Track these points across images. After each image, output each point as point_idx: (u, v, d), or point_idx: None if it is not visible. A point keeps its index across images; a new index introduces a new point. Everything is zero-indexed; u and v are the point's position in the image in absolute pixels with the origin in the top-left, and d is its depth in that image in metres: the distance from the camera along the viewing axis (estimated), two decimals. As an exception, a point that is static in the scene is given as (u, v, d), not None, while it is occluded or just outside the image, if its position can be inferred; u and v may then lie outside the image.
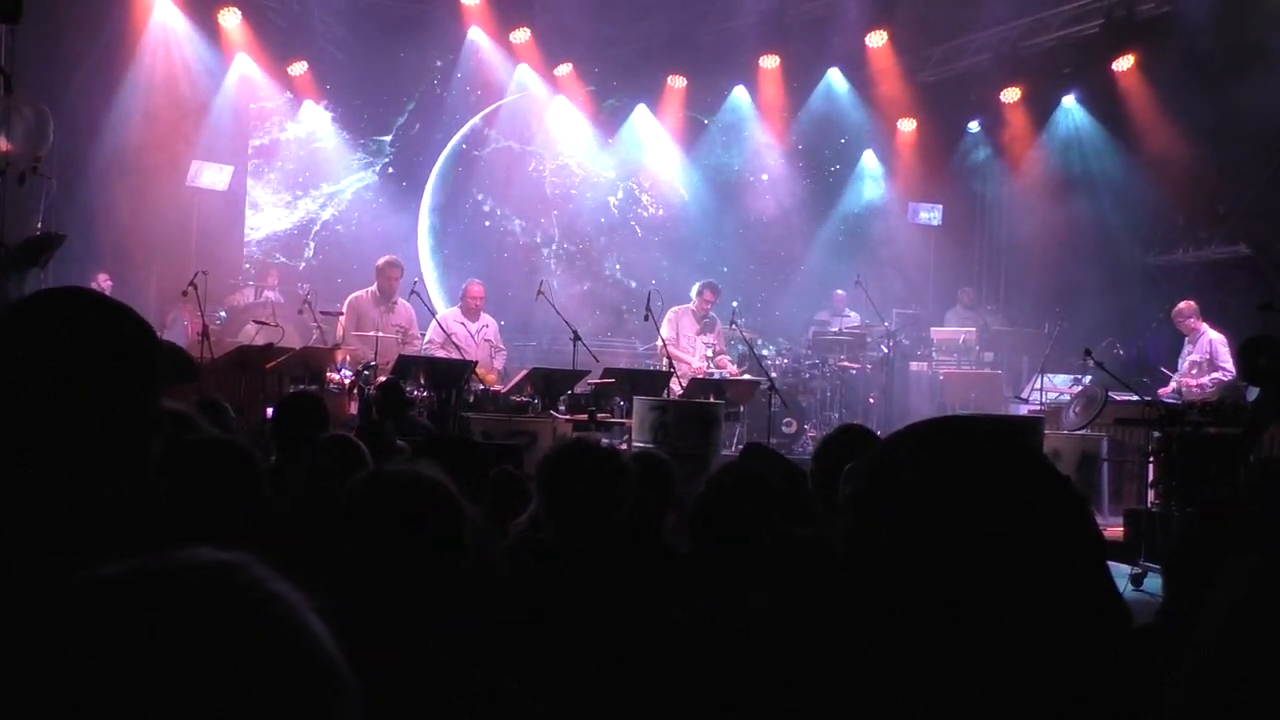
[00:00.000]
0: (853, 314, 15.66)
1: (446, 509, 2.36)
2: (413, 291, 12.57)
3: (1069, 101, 16.30)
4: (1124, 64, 14.97)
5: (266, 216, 15.84)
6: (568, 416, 10.82)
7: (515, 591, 3.30)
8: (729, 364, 13.44)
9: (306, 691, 0.90)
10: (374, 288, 12.45)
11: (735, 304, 13.46)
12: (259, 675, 0.88)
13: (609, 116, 17.23)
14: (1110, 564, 1.30)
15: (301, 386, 10.43)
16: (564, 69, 16.44)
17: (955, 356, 15.26)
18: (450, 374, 10.91)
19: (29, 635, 0.88)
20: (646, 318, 12.28)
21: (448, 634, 2.31)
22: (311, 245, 16.19)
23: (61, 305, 1.59)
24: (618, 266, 17.00)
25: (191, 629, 0.87)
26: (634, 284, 16.15)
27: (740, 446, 12.47)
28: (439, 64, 16.55)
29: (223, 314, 13.75)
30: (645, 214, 17.40)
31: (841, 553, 1.30)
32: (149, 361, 1.58)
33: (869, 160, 17.84)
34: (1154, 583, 8.44)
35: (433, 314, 12.84)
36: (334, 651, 0.93)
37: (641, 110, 17.21)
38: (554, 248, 16.98)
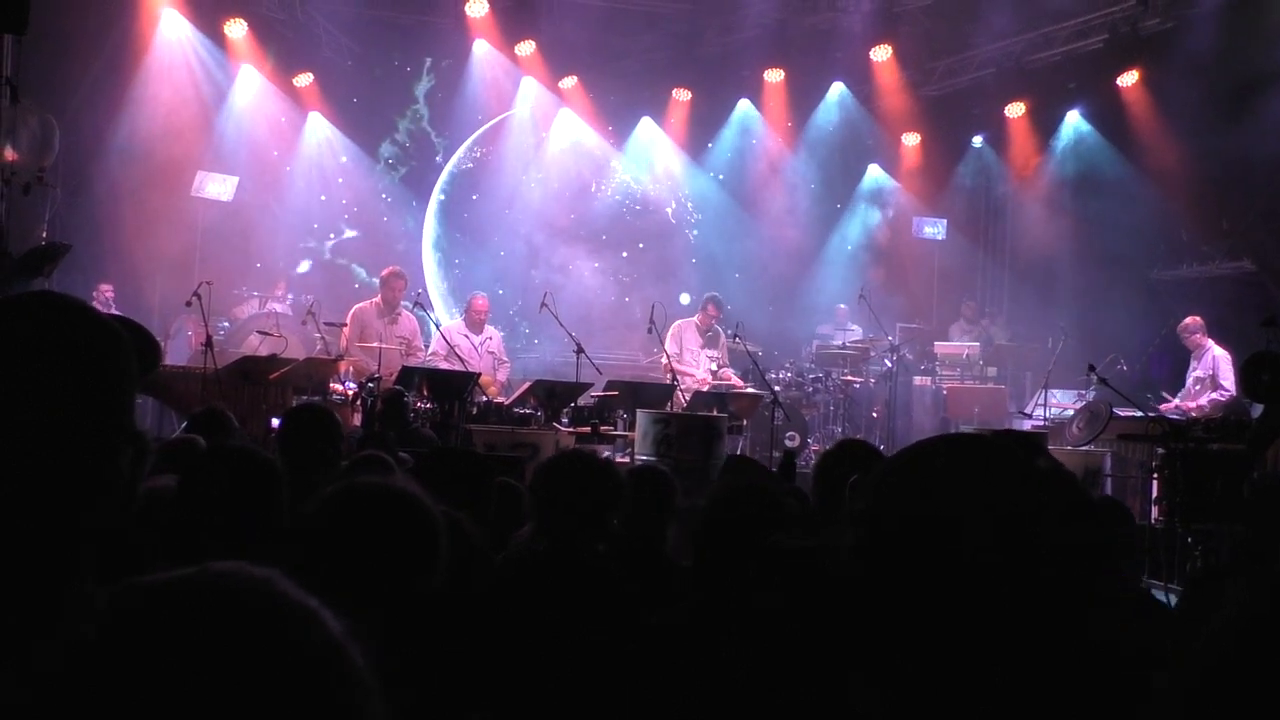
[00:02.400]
0: (855, 328, 15.64)
1: (419, 522, 2.35)
2: (416, 302, 12.59)
3: (1073, 116, 16.30)
4: (1128, 79, 14.97)
5: (271, 227, 15.84)
6: (571, 429, 10.82)
7: (513, 601, 3.29)
8: (733, 377, 13.44)
9: (337, 700, 0.94)
10: (378, 299, 12.48)
11: (739, 324, 13.43)
12: (291, 684, 0.92)
13: (614, 128, 17.25)
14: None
15: (305, 398, 10.43)
16: (569, 81, 16.47)
17: (959, 371, 15.25)
18: (453, 385, 10.92)
19: (78, 643, 0.92)
20: (650, 330, 12.28)
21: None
22: (316, 255, 16.21)
23: (27, 312, 1.57)
24: (620, 278, 16.99)
25: (226, 642, 0.91)
26: (637, 296, 16.13)
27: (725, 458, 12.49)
28: (445, 76, 16.60)
29: (226, 324, 13.76)
30: (649, 226, 17.40)
31: (846, 563, 1.32)
32: (123, 368, 1.56)
33: (873, 174, 17.83)
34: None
35: (437, 326, 12.86)
36: (360, 663, 0.97)
37: (646, 122, 17.23)
38: (557, 258, 16.97)
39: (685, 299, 15.78)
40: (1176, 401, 12.33)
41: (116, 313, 11.66)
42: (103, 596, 0.95)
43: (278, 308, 14.06)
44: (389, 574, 2.28)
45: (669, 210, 17.58)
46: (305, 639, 0.95)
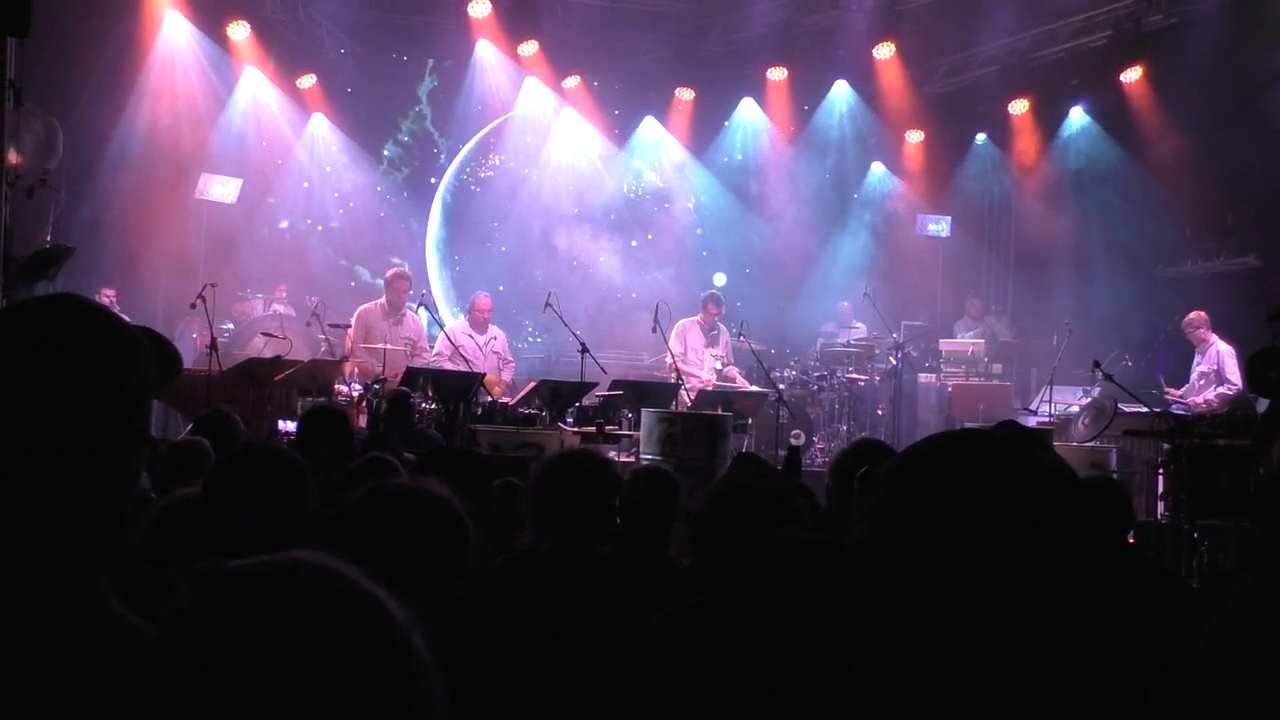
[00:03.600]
0: (859, 325, 15.66)
1: (450, 524, 2.36)
2: (420, 303, 12.59)
3: (1077, 113, 16.30)
4: (1132, 75, 14.96)
5: (275, 229, 15.87)
6: (575, 428, 10.81)
7: (516, 602, 3.29)
8: (738, 376, 13.45)
9: (407, 683, 1.01)
10: (382, 300, 12.49)
11: (743, 323, 13.48)
12: (366, 666, 0.98)
13: (617, 128, 17.25)
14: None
15: (311, 399, 10.44)
16: (572, 81, 16.47)
17: (964, 368, 15.24)
18: (458, 386, 10.92)
19: (173, 623, 0.99)
20: (654, 330, 12.27)
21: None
22: (319, 257, 16.22)
23: (40, 314, 1.58)
24: (624, 277, 16.99)
25: (307, 624, 0.98)
26: (642, 294, 16.13)
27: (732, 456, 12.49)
28: (447, 77, 16.61)
29: (230, 326, 13.76)
30: (653, 225, 17.39)
31: (851, 560, 1.34)
32: (137, 372, 1.57)
33: (877, 171, 17.83)
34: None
35: (441, 326, 12.87)
36: (425, 649, 1.04)
37: (650, 122, 17.23)
38: (561, 258, 16.99)
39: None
40: (1179, 394, 12.32)
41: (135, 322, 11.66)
42: (187, 578, 1.01)
43: (279, 309, 14.06)
44: (419, 576, 2.28)
45: (672, 209, 17.56)
46: (379, 624, 1.01)
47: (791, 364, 14.47)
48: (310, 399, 10.49)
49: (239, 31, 14.74)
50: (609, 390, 11.46)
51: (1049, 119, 16.43)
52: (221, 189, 14.75)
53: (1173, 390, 12.39)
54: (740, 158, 17.55)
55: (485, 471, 4.14)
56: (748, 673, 2.61)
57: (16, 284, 9.12)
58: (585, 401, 11.32)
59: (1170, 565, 8.41)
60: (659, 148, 17.42)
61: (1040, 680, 1.22)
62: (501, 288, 15.69)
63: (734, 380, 13.32)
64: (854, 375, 14.34)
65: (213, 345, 10.16)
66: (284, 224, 15.95)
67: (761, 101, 17.20)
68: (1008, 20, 15.31)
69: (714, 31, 16.53)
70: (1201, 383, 12.37)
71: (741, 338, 13.35)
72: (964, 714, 1.23)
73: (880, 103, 17.09)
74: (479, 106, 16.72)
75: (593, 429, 10.67)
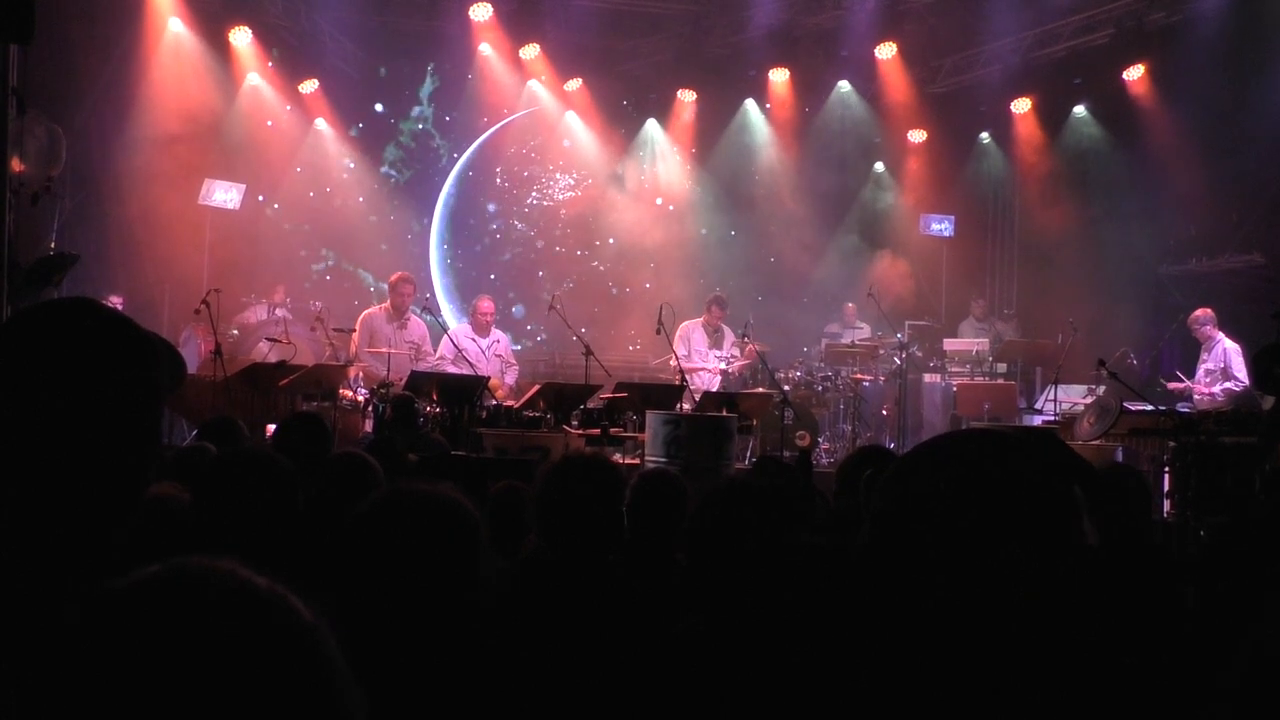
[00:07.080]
0: (863, 325, 15.65)
1: (463, 529, 2.36)
2: (424, 307, 12.60)
3: (1080, 111, 16.30)
4: (1134, 73, 14.96)
5: (278, 233, 15.88)
6: (580, 431, 10.81)
7: (522, 610, 3.29)
8: (750, 352, 13.47)
9: (310, 685, 0.96)
10: (387, 304, 12.50)
11: (747, 324, 13.51)
12: (264, 671, 0.94)
13: (619, 130, 17.25)
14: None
15: (314, 404, 10.44)
16: (574, 84, 16.48)
17: (968, 368, 15.22)
18: (463, 389, 10.92)
19: (57, 645, 0.95)
20: (658, 331, 12.27)
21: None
22: (322, 261, 16.24)
23: (61, 316, 1.58)
24: (628, 279, 16.99)
25: (197, 634, 0.93)
26: (645, 296, 16.14)
27: (754, 459, 12.48)
28: (449, 80, 16.62)
29: (235, 332, 13.77)
30: (656, 226, 17.38)
31: (858, 561, 1.35)
32: (149, 375, 1.57)
33: (880, 172, 17.82)
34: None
35: (445, 330, 12.88)
36: (334, 650, 0.99)
37: (652, 124, 17.24)
38: (564, 261, 17.00)
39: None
40: (1189, 383, 12.31)
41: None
42: (75, 602, 0.97)
43: (281, 312, 14.06)
44: (431, 581, 2.28)
45: (675, 210, 17.55)
46: (275, 626, 0.96)
47: (797, 364, 14.46)
48: (315, 404, 10.50)
49: (241, 37, 14.76)
50: (613, 392, 11.46)
51: (1052, 117, 16.44)
52: (225, 195, 14.76)
53: (1180, 376, 12.39)
54: (743, 159, 17.53)
55: (476, 475, 4.14)
56: (754, 679, 2.60)
57: (21, 291, 9.12)
58: (590, 404, 11.32)
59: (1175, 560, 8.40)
60: (661, 150, 17.42)
61: (1039, 677, 1.23)
62: (511, 294, 15.70)
63: (749, 360, 13.40)
64: (858, 375, 14.32)
65: (217, 350, 10.16)
66: (287, 228, 15.95)
67: (764, 103, 17.21)
68: (1010, 19, 15.32)
69: (716, 33, 16.53)
70: (1207, 380, 12.36)
71: (745, 339, 13.35)
72: (966, 710, 1.23)
73: (883, 103, 17.08)
74: (481, 109, 16.74)
75: (597, 431, 10.67)
